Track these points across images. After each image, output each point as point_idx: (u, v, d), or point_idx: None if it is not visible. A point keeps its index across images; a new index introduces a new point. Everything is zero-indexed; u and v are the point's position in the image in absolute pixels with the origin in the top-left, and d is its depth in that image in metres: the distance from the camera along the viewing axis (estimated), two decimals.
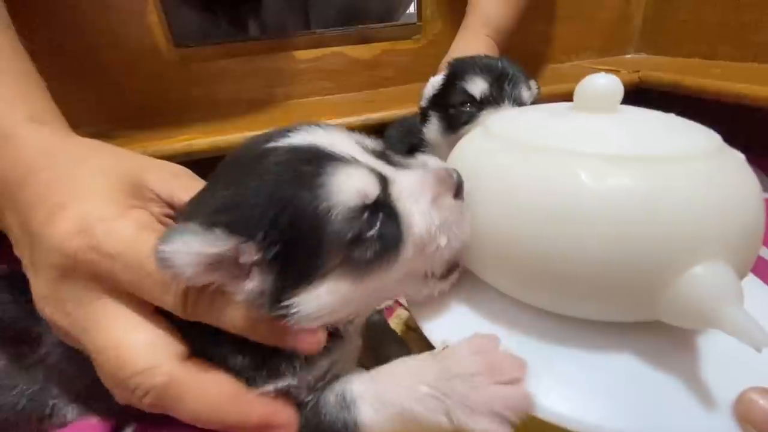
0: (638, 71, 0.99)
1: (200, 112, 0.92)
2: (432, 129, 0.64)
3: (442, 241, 0.29)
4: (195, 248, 0.24)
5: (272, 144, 0.29)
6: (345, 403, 0.30)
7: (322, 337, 0.29)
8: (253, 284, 0.26)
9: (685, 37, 1.09)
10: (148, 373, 0.28)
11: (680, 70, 0.98)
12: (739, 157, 0.31)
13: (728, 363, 0.27)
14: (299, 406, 0.31)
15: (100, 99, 0.87)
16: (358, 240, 0.27)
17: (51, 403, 0.44)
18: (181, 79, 0.92)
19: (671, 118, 0.34)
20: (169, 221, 0.34)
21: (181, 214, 0.31)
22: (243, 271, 0.26)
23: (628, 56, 1.25)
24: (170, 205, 0.35)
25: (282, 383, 0.30)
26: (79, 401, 0.45)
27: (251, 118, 0.89)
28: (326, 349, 0.30)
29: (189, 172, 0.38)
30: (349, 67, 1.03)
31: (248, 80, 0.98)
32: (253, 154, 0.29)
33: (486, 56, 0.63)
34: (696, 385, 0.26)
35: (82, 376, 0.41)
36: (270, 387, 0.30)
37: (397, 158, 0.33)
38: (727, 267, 0.24)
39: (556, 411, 0.26)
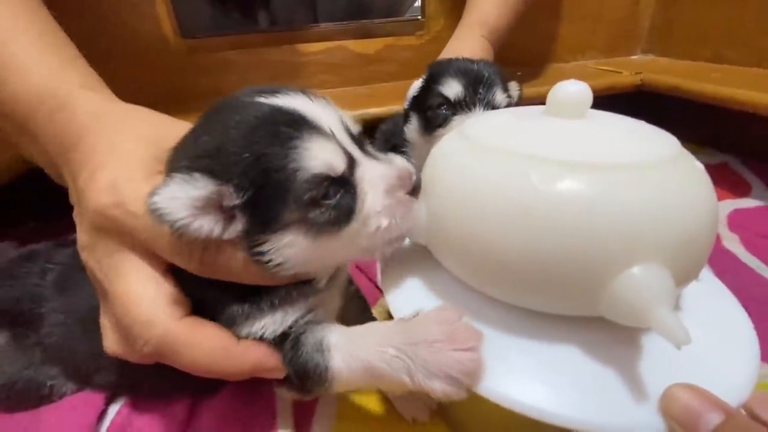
0: (640, 73, 0.99)
1: (205, 102, 0.93)
2: (412, 129, 0.67)
3: (383, 222, 0.32)
4: (181, 193, 0.27)
5: (259, 98, 0.31)
6: (321, 348, 0.34)
7: None
8: (238, 226, 0.30)
9: (692, 40, 1.09)
10: (147, 324, 0.32)
11: (683, 73, 0.97)
12: (697, 166, 0.32)
13: (664, 359, 0.28)
14: (282, 339, 0.34)
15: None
16: (315, 203, 0.30)
17: (49, 383, 0.46)
18: (188, 69, 0.95)
19: (637, 124, 0.36)
20: None
21: (168, 160, 0.34)
22: (228, 215, 0.30)
23: (635, 57, 1.24)
24: None
25: (262, 321, 0.34)
26: (76, 379, 0.47)
27: None
28: (304, 293, 0.35)
29: None
30: (352, 61, 1.05)
31: (253, 71, 1.00)
32: (238, 104, 0.32)
33: (464, 59, 0.64)
34: (631, 379, 0.28)
35: (79, 354, 0.44)
36: (252, 328, 0.33)
37: (370, 148, 0.36)
38: (661, 269, 0.26)
39: (501, 393, 0.28)
